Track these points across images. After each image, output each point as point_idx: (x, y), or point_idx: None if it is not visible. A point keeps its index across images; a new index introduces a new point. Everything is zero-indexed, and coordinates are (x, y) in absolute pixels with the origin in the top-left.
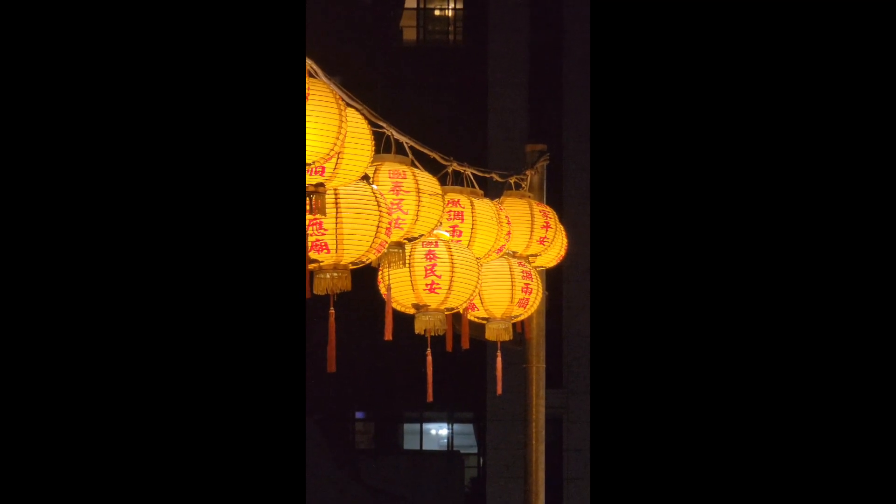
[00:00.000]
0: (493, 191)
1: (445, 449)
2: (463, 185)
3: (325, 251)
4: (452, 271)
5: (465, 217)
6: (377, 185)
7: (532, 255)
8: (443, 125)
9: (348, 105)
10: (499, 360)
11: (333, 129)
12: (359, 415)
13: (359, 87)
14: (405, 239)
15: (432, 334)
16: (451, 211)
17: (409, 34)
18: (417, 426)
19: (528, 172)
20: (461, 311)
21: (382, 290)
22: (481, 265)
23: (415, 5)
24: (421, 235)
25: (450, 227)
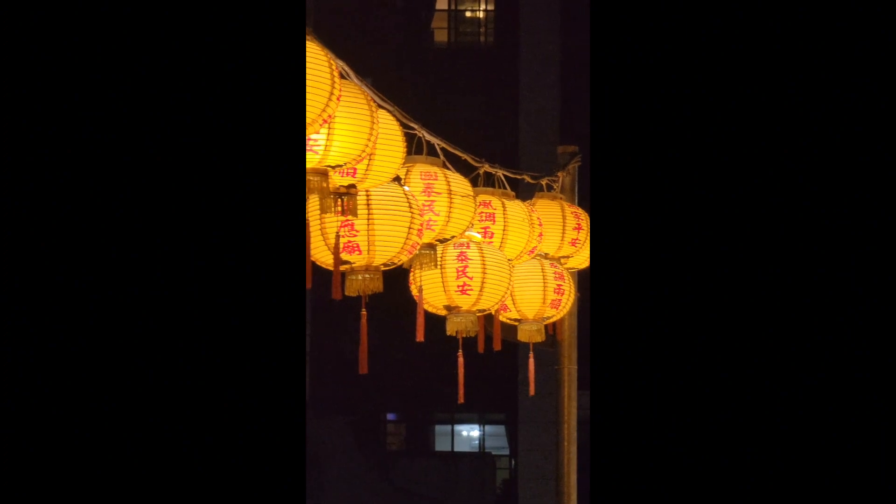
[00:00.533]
0: (524, 192)
1: (477, 451)
2: (494, 187)
3: (357, 252)
4: (484, 273)
5: (496, 219)
6: (409, 187)
7: (564, 257)
8: (474, 127)
9: (380, 107)
10: (531, 361)
11: (365, 131)
12: (390, 416)
13: (390, 89)
14: (437, 240)
15: (464, 336)
16: (482, 212)
17: (441, 36)
18: (449, 428)
19: (559, 174)
20: (493, 313)
21: (414, 292)
22: (513, 267)
23: (446, 7)
24: (452, 237)
25: (481, 228)
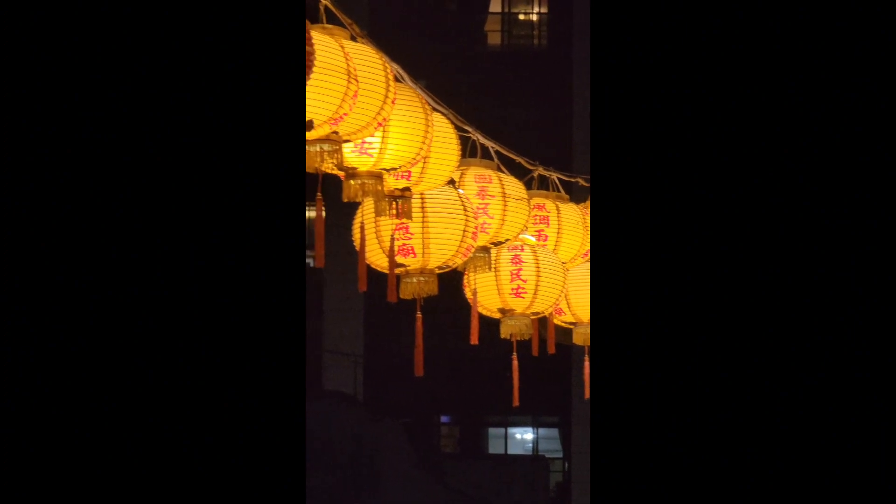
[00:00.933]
0: (578, 195)
1: (530, 453)
2: (548, 190)
3: (412, 255)
4: (538, 276)
5: (550, 221)
6: (463, 190)
7: None
8: (528, 129)
9: (434, 109)
10: (586, 364)
11: (420, 134)
12: (444, 419)
13: (443, 92)
14: (491, 243)
15: (518, 339)
16: (536, 215)
17: (494, 38)
18: (502, 430)
19: None
20: (547, 316)
21: (468, 295)
22: (567, 269)
23: (499, 10)
24: (507, 240)
25: (535, 231)
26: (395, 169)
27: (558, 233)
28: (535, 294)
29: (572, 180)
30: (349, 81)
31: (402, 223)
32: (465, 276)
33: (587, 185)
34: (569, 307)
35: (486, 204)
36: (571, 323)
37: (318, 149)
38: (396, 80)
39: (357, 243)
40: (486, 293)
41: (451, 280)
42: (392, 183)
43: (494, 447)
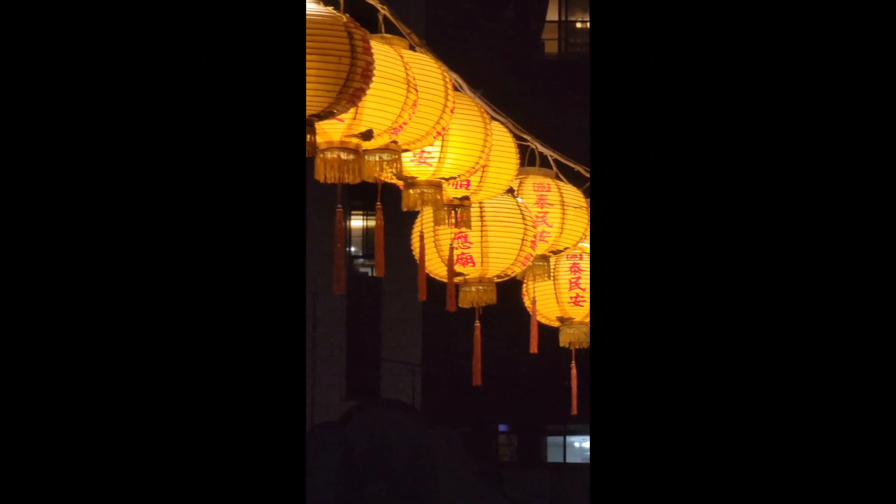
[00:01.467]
0: None
1: (589, 462)
2: None
3: (471, 264)
4: None
5: None
6: (522, 198)
7: None
8: (586, 138)
9: (493, 118)
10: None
11: (479, 143)
12: (502, 428)
13: (502, 100)
14: (550, 252)
15: (577, 347)
16: None
17: (551, 47)
18: (561, 439)
19: None
20: None
21: (527, 304)
22: None
23: (556, 18)
24: (566, 248)
25: None
26: (454, 178)
27: None
28: None
29: None
30: (408, 91)
31: (461, 232)
32: (524, 285)
33: None
34: None
35: (545, 212)
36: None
37: (377, 158)
38: (455, 89)
39: (416, 252)
40: (545, 302)
41: (509, 289)
42: (451, 192)
43: (553, 456)
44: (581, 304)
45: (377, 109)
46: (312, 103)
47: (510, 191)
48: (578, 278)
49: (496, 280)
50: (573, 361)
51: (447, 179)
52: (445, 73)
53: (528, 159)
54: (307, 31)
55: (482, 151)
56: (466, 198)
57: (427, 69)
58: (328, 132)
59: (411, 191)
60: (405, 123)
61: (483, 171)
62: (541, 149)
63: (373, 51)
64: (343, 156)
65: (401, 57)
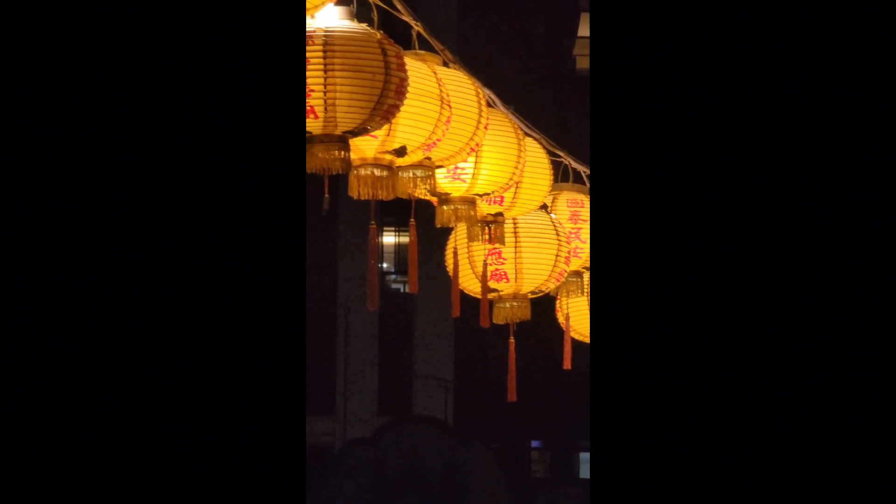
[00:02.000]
0: None
1: None
2: None
3: (505, 280)
4: None
5: None
6: (555, 215)
7: None
8: None
9: (526, 134)
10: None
11: (512, 159)
12: (535, 443)
13: (534, 116)
14: (584, 268)
15: None
16: None
17: (583, 62)
18: None
19: None
20: None
21: (561, 320)
22: None
23: (588, 34)
24: None
25: None
26: (487, 194)
27: None
28: None
29: None
30: (442, 107)
31: (495, 248)
32: (558, 301)
33: None
34: None
35: (579, 228)
36: None
37: (410, 175)
38: (489, 105)
39: (450, 269)
40: (579, 318)
41: (543, 305)
42: (485, 208)
43: (585, 472)
44: None
45: (411, 126)
46: (346, 120)
47: (544, 207)
48: None
49: (530, 296)
50: None
51: (481, 195)
52: (479, 90)
53: (562, 175)
54: (342, 48)
55: (516, 167)
56: (500, 214)
57: (461, 85)
58: (362, 149)
59: (445, 207)
60: (439, 140)
61: (517, 188)
62: (574, 164)
63: (406, 67)
64: (377, 172)
65: (434, 73)
